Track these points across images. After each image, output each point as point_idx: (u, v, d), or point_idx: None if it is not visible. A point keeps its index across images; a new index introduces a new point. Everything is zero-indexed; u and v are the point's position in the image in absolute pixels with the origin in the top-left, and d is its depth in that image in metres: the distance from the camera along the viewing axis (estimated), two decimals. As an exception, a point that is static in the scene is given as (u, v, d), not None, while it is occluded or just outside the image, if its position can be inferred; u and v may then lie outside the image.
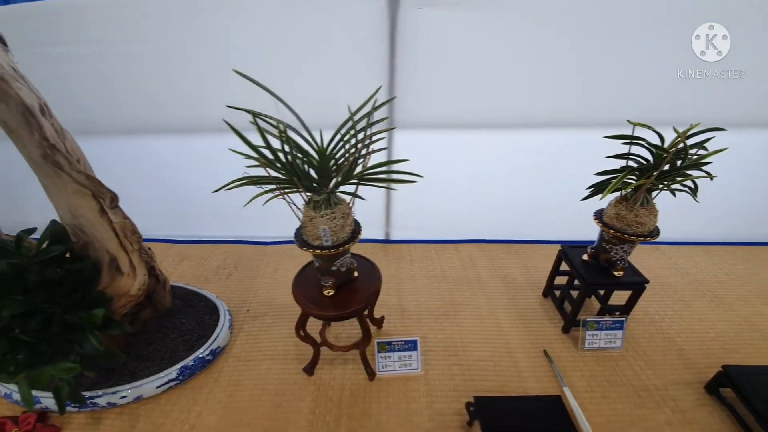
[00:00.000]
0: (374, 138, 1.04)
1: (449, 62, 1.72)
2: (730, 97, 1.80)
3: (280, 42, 1.69)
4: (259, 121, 0.95)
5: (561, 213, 2.16)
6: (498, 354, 1.50)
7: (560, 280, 1.76)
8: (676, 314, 1.70)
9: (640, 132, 1.24)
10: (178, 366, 1.34)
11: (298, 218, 1.15)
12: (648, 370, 1.42)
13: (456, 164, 2.04)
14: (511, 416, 1.12)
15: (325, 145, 1.02)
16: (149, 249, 1.43)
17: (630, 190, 1.33)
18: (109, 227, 1.18)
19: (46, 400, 1.22)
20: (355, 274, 1.31)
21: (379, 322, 1.62)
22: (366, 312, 1.38)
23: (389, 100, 1.17)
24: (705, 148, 1.20)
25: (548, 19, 1.63)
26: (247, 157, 1.01)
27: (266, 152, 0.99)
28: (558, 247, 1.71)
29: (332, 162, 1.04)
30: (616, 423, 1.24)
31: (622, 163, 1.34)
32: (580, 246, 1.64)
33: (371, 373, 1.39)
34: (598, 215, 1.44)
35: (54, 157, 1.04)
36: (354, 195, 1.15)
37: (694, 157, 1.20)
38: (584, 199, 1.41)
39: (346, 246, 1.11)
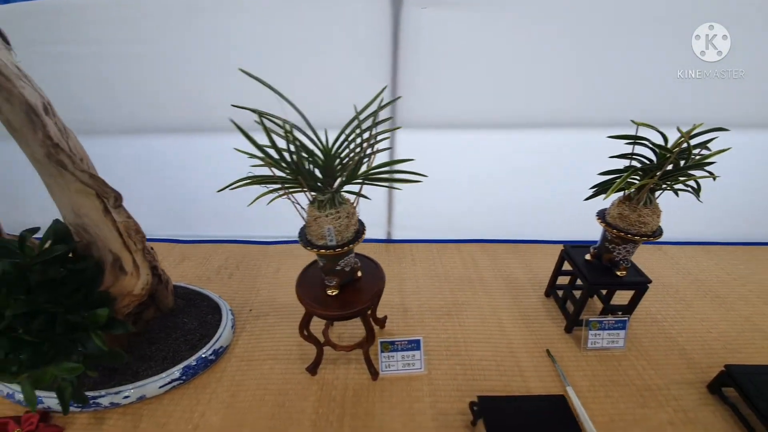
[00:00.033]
0: (379, 138, 1.04)
1: (451, 62, 1.72)
2: (730, 97, 1.80)
3: (283, 42, 1.69)
4: (265, 121, 0.95)
5: (562, 213, 2.17)
6: (501, 354, 1.51)
7: (562, 280, 1.77)
8: (678, 314, 1.71)
9: (642, 132, 1.25)
10: (181, 366, 1.34)
11: (303, 218, 1.15)
12: (650, 370, 1.43)
13: (457, 164, 2.04)
14: (515, 416, 1.12)
15: (330, 145, 1.02)
16: (152, 248, 1.43)
17: (633, 190, 1.33)
18: (112, 226, 1.17)
19: (49, 400, 1.22)
20: (359, 273, 1.31)
21: (381, 322, 1.62)
22: (369, 312, 1.38)
23: (394, 100, 1.18)
24: (708, 149, 1.20)
25: (549, 19, 1.63)
26: (252, 156, 1.01)
27: (271, 152, 0.99)
28: (560, 246, 1.72)
29: (337, 161, 1.04)
30: (619, 422, 1.24)
31: (625, 162, 1.34)
32: (582, 246, 1.64)
33: (374, 373, 1.39)
34: (601, 215, 1.44)
35: (58, 156, 1.04)
36: (358, 194, 1.15)
37: (697, 157, 1.21)
38: (588, 198, 1.41)
39: (351, 246, 1.11)
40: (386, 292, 1.30)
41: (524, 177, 2.09)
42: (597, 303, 1.74)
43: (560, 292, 1.75)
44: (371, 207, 1.77)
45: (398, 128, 1.20)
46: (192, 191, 2.20)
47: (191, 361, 1.36)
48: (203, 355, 1.39)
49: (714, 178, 1.22)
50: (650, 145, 1.26)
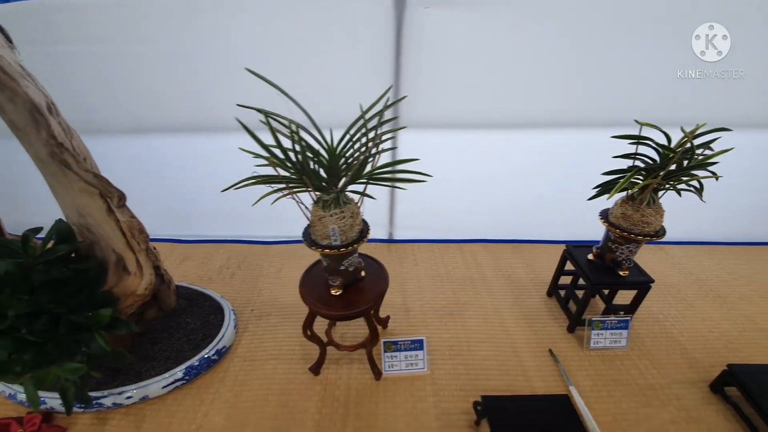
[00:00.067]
0: (384, 137, 1.04)
1: (453, 62, 1.72)
2: (730, 97, 1.81)
3: (286, 42, 1.69)
4: (270, 121, 0.95)
5: (562, 213, 2.17)
6: (503, 353, 1.51)
7: (563, 280, 1.77)
8: (680, 314, 1.71)
9: (645, 132, 1.25)
10: (184, 366, 1.33)
11: (307, 218, 1.14)
12: (653, 369, 1.43)
13: (459, 164, 2.04)
14: (519, 415, 1.12)
15: (334, 144, 1.02)
16: (154, 248, 1.42)
17: (636, 189, 1.34)
18: (116, 226, 1.17)
19: (51, 400, 1.21)
20: (362, 273, 1.31)
21: (384, 322, 1.62)
22: (372, 312, 1.38)
23: (400, 99, 1.18)
24: (711, 149, 1.20)
25: (549, 19, 1.63)
26: (257, 156, 1.01)
27: (277, 151, 0.99)
28: (561, 246, 1.72)
29: (342, 161, 1.04)
30: (622, 422, 1.25)
31: (627, 162, 1.35)
32: (585, 245, 1.65)
33: (377, 373, 1.39)
34: (604, 215, 1.44)
35: (62, 156, 1.04)
36: (363, 194, 1.15)
37: (700, 157, 1.21)
38: (591, 198, 1.41)
39: (355, 245, 1.11)
40: (388, 292, 1.30)
41: (525, 177, 2.09)
42: (599, 303, 1.74)
43: (562, 292, 1.75)
44: (373, 207, 1.78)
45: (403, 128, 1.19)
46: (192, 191, 2.19)
47: (194, 361, 1.36)
48: (206, 355, 1.38)
49: (717, 179, 1.22)
50: (654, 145, 1.26)
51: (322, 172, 1.05)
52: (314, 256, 1.23)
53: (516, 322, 1.67)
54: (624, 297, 1.59)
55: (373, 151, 1.04)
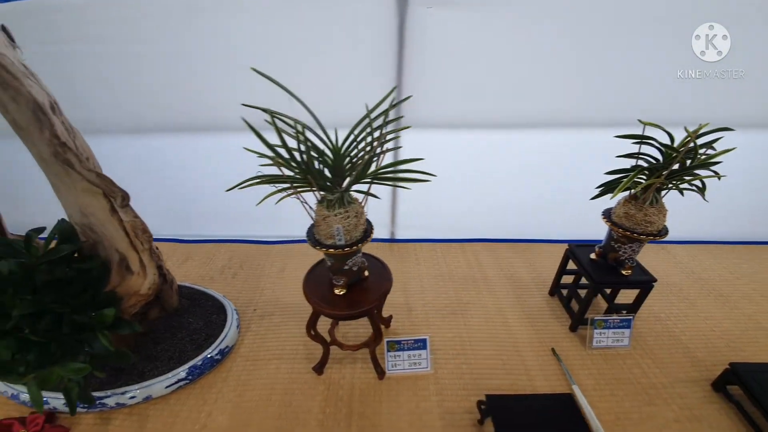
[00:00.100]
0: (389, 137, 1.04)
1: (455, 62, 1.72)
2: (730, 97, 1.81)
3: (288, 42, 1.68)
4: (276, 121, 0.95)
5: (563, 213, 2.17)
6: (506, 353, 1.51)
7: (565, 279, 1.77)
8: (682, 313, 1.72)
9: (648, 131, 1.26)
10: (187, 366, 1.33)
11: (311, 217, 1.14)
12: (655, 368, 1.43)
13: (461, 164, 2.04)
14: (523, 414, 1.12)
15: (339, 144, 1.02)
16: (157, 248, 1.42)
17: (639, 189, 1.34)
18: (119, 226, 1.17)
19: (54, 400, 1.21)
20: (366, 273, 1.31)
21: (387, 321, 1.62)
22: (375, 311, 1.38)
23: (405, 99, 1.17)
24: (713, 148, 1.21)
25: (549, 19, 1.64)
26: (262, 156, 1.01)
27: (282, 151, 0.99)
28: (563, 246, 1.72)
29: (347, 161, 1.04)
30: (625, 420, 1.25)
31: (629, 162, 1.35)
32: (587, 245, 1.65)
33: (381, 372, 1.39)
34: (607, 214, 1.45)
35: (65, 155, 1.03)
36: (367, 194, 1.15)
37: (703, 156, 1.21)
38: (594, 198, 1.42)
39: (359, 245, 1.11)
40: (391, 292, 1.30)
41: (526, 176, 2.09)
42: (601, 302, 1.74)
43: (564, 291, 1.76)
44: (375, 207, 1.77)
45: (408, 127, 1.19)
46: (193, 191, 2.19)
47: (197, 360, 1.35)
48: (209, 355, 1.38)
49: (719, 178, 1.23)
50: (657, 145, 1.27)
51: (326, 172, 1.05)
52: (316, 255, 1.23)
53: (518, 321, 1.67)
54: (626, 296, 1.60)
55: (378, 150, 1.04)
